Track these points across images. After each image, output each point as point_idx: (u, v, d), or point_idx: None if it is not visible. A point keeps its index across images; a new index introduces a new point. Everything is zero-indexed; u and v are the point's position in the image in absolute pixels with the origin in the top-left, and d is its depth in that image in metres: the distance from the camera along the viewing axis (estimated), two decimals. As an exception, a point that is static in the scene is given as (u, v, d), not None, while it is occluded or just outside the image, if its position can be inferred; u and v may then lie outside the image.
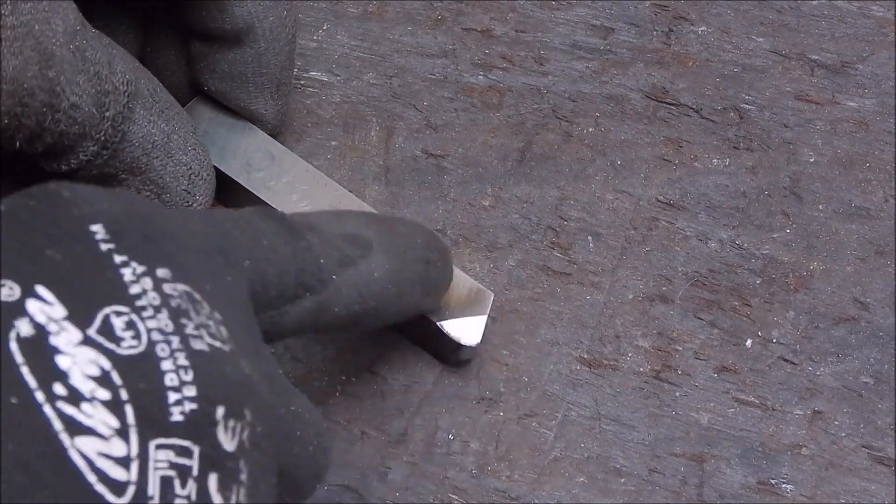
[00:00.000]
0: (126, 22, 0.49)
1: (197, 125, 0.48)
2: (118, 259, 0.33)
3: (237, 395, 0.33)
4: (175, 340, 0.32)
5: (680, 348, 0.49)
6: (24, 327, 0.31)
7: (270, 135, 0.50)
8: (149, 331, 0.32)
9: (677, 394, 0.48)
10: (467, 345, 0.46)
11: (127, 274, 0.33)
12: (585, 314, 0.49)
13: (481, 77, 0.54)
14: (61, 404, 0.30)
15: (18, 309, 0.31)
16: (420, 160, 0.52)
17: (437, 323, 0.46)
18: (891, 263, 0.51)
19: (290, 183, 0.49)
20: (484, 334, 0.47)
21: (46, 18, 0.40)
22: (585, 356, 0.48)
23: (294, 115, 0.52)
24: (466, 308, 0.47)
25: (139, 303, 0.33)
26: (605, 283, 0.50)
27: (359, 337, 0.48)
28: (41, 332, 0.31)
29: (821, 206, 0.52)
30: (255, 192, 0.48)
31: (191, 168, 0.47)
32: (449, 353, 0.47)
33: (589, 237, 0.51)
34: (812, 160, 0.53)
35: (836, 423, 0.48)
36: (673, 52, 0.55)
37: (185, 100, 0.50)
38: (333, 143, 0.52)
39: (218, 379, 0.33)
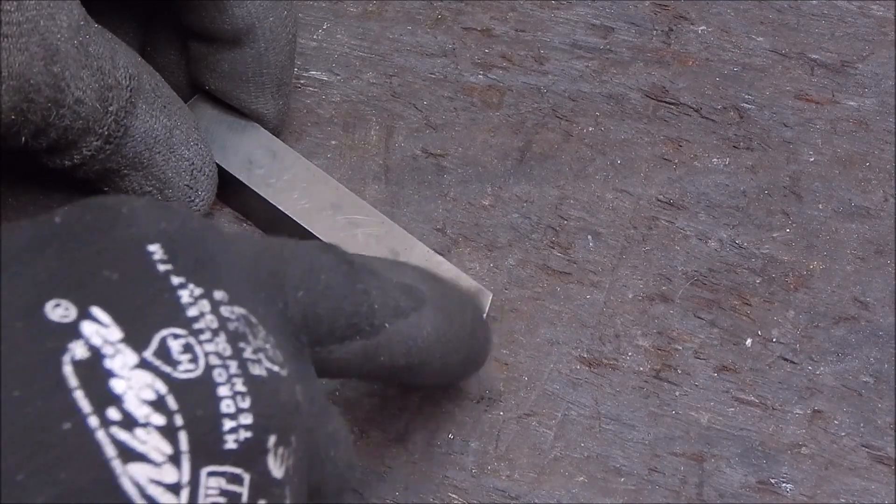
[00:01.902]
0: (126, 22, 0.49)
1: (198, 122, 0.49)
2: (176, 280, 0.32)
3: (288, 423, 0.33)
4: (233, 365, 0.32)
5: (680, 348, 0.49)
6: (79, 350, 0.30)
7: (272, 133, 0.50)
8: (206, 354, 0.32)
9: (677, 393, 0.48)
10: None
11: (184, 296, 0.32)
12: (585, 313, 0.49)
13: (481, 76, 0.54)
14: (115, 430, 0.30)
15: (73, 331, 0.31)
16: (420, 159, 0.52)
17: None
18: (891, 263, 0.51)
19: (291, 180, 0.49)
20: None
21: (51, 14, 0.40)
22: (585, 355, 0.48)
23: (294, 114, 0.52)
24: None
25: (197, 325, 0.32)
26: (604, 283, 0.50)
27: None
28: (96, 354, 0.30)
29: (821, 206, 0.52)
30: (255, 190, 0.48)
31: (193, 163, 0.47)
32: None
33: (589, 236, 0.51)
34: (812, 159, 0.53)
35: (836, 422, 0.48)
36: (673, 51, 0.55)
37: (186, 98, 0.50)
38: (333, 142, 0.52)
39: (273, 407, 0.32)
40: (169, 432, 0.30)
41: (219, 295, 0.33)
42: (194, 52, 0.48)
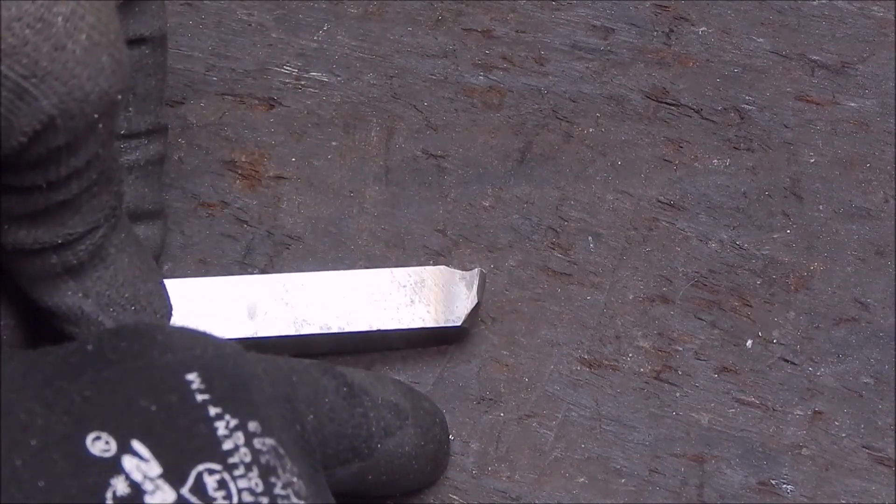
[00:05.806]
0: None
1: None
2: (212, 411, 0.33)
3: None
4: (264, 502, 0.33)
5: (680, 349, 0.49)
6: (120, 486, 0.31)
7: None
8: (240, 491, 0.32)
9: (678, 394, 0.48)
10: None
11: (221, 428, 0.33)
12: (586, 314, 0.49)
13: (482, 77, 0.54)
14: None
15: (115, 465, 0.31)
16: (420, 160, 0.52)
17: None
18: (891, 263, 0.51)
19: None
20: (479, 322, 0.47)
21: None
22: (586, 356, 0.48)
23: (295, 115, 0.52)
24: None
25: (231, 460, 0.33)
26: (605, 284, 0.50)
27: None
28: (137, 490, 0.31)
29: (821, 207, 0.52)
30: None
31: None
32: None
33: (589, 237, 0.51)
34: (812, 160, 0.53)
35: (837, 423, 0.48)
36: (673, 52, 0.55)
37: None
38: (334, 143, 0.52)
39: None
40: None
41: (252, 426, 0.34)
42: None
